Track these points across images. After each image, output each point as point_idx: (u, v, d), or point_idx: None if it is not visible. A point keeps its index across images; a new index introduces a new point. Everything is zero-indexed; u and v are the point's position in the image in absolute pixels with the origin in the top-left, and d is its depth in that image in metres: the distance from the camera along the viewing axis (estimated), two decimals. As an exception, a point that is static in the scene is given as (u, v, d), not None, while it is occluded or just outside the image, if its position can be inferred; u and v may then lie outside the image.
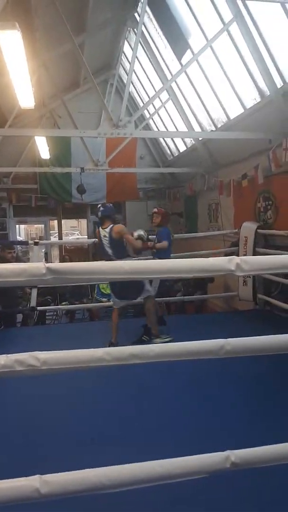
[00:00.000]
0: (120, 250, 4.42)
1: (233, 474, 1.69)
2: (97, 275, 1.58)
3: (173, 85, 7.61)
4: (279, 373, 3.40)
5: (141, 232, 4.66)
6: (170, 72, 7.62)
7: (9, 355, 1.44)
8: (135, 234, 4.61)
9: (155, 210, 5.18)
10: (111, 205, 4.72)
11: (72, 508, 1.80)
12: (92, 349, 1.53)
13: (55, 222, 11.89)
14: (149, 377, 3.21)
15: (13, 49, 3.37)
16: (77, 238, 18.04)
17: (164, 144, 10.43)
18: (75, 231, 20.54)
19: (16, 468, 1.77)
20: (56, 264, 1.46)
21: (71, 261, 8.61)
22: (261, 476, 1.94)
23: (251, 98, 5.98)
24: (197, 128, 8.01)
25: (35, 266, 1.43)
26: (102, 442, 2.53)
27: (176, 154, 9.85)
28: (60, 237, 11.76)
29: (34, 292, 5.48)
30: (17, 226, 11.75)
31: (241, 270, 1.47)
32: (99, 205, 4.58)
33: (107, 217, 4.49)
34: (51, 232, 12.24)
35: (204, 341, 1.61)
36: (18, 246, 8.98)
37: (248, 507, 2.02)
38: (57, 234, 12.11)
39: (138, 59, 8.31)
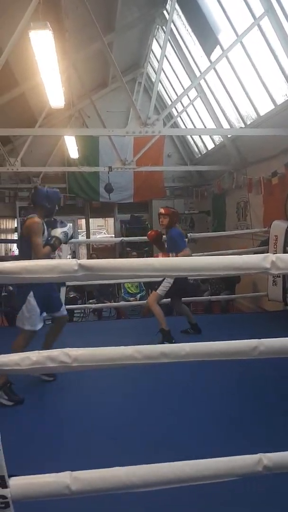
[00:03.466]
0: (25, 253, 3.28)
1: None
2: (127, 272, 1.56)
3: (202, 81, 7.53)
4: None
5: (64, 230, 3.38)
6: (199, 69, 7.54)
7: (41, 351, 1.44)
8: (56, 232, 3.34)
9: (161, 210, 4.55)
10: (50, 188, 3.48)
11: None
12: (122, 346, 1.51)
13: (83, 221, 12.01)
14: (177, 375, 3.18)
15: (45, 49, 3.41)
16: (104, 237, 18.16)
17: (191, 141, 10.34)
18: (102, 229, 20.66)
19: (45, 463, 1.79)
20: (88, 261, 1.45)
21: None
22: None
23: (282, 94, 5.84)
24: (225, 125, 7.90)
25: (67, 262, 1.43)
26: (126, 440, 2.52)
27: (204, 152, 9.76)
28: (88, 236, 11.87)
29: (63, 291, 5.54)
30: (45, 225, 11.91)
31: (276, 268, 1.42)
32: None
33: (34, 203, 3.39)
34: (78, 231, 12.38)
35: (236, 341, 1.57)
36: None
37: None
38: (84, 233, 12.23)
39: (166, 57, 8.27)
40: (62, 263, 1.44)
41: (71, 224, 11.71)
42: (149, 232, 4.73)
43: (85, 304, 7.62)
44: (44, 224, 3.32)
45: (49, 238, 3.29)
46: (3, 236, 11.07)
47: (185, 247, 4.40)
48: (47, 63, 3.70)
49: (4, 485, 1.38)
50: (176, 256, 4.12)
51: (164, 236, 4.62)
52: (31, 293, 3.16)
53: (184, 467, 1.52)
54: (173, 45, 7.92)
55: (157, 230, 4.73)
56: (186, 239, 5.58)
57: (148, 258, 1.62)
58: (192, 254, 4.38)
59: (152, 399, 3.10)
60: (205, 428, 2.66)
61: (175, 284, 4.28)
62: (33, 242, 3.16)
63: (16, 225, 10.60)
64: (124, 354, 1.51)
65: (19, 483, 1.43)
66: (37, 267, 1.41)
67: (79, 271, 1.42)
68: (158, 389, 3.25)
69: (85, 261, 1.45)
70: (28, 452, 2.30)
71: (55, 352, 1.44)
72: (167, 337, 4.12)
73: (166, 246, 4.56)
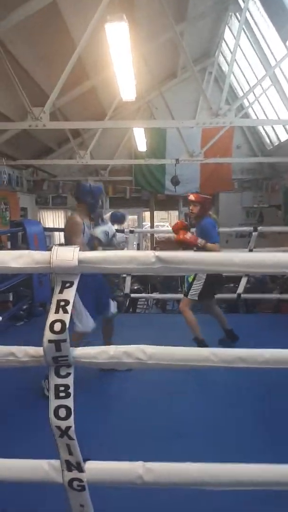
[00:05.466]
0: None
1: None
2: (205, 266, 1.52)
3: (276, 69, 7.19)
4: None
5: (104, 230, 3.33)
6: (274, 57, 7.20)
7: (118, 346, 1.45)
8: (96, 232, 3.30)
9: (191, 197, 3.96)
10: (91, 183, 3.37)
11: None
12: (199, 348, 1.48)
13: (147, 213, 12.08)
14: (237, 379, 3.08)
15: (119, 41, 3.42)
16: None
17: (263, 132, 9.96)
18: (165, 222, 20.69)
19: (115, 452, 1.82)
20: (165, 253, 1.42)
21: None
22: None
23: None
24: (300, 115, 7.50)
25: (145, 254, 1.42)
26: (193, 437, 2.49)
27: (276, 143, 9.35)
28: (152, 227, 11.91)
29: (128, 280, 5.64)
30: (112, 217, 12.10)
31: None
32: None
33: (77, 199, 3.34)
34: (143, 223, 12.48)
35: None
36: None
37: None
38: (148, 225, 12.30)
39: (239, 45, 8.00)
40: (140, 255, 1.44)
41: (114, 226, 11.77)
42: (175, 223, 4.16)
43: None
44: (85, 223, 3.23)
45: (89, 239, 3.22)
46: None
47: (217, 240, 3.88)
48: (121, 55, 3.72)
49: (81, 470, 1.42)
50: (205, 244, 3.76)
51: (193, 229, 4.06)
52: (77, 295, 3.08)
53: (259, 471, 1.46)
54: (246, 32, 7.63)
55: (182, 220, 4.22)
56: (256, 233, 5.35)
57: (227, 252, 1.57)
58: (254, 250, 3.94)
59: (218, 402, 3.04)
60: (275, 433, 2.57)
61: (206, 284, 3.84)
62: (72, 243, 3.04)
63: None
64: (200, 356, 1.47)
65: (94, 468, 1.46)
66: (117, 258, 1.42)
67: (156, 263, 1.41)
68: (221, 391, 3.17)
69: (162, 254, 1.43)
70: (96, 439, 2.36)
71: (131, 348, 1.44)
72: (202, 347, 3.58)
73: None
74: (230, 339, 4.03)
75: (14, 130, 7.05)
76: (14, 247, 5.93)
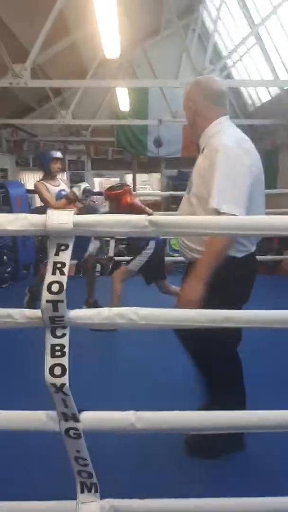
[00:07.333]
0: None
1: None
2: (198, 229, 1.56)
3: (262, 28, 7.03)
4: None
5: (77, 185, 3.82)
6: (260, 15, 7.02)
7: (112, 308, 1.52)
8: (73, 189, 3.80)
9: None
10: (46, 151, 4.03)
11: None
12: (186, 309, 1.56)
13: (130, 176, 11.93)
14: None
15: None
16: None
17: (245, 93, 9.81)
18: (146, 185, 20.46)
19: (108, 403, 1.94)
20: (158, 217, 1.47)
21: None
22: None
23: None
24: (284, 76, 7.42)
25: (138, 218, 1.46)
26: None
27: (258, 104, 9.26)
28: (134, 191, 11.83)
29: (112, 243, 5.69)
30: (94, 179, 11.91)
31: None
32: None
33: (39, 167, 4.13)
34: (125, 186, 12.38)
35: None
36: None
37: None
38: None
39: (225, 1, 7.74)
40: (134, 219, 1.48)
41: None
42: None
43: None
44: (47, 184, 3.88)
45: (56, 196, 3.84)
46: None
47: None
48: (105, 8, 3.57)
49: (76, 420, 1.53)
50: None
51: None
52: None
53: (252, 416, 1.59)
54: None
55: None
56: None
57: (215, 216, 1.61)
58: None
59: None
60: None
61: (151, 261, 3.70)
62: (45, 198, 3.79)
63: (65, 178, 10.73)
64: (188, 316, 1.55)
65: (89, 417, 1.57)
66: (111, 221, 1.46)
67: (148, 227, 1.45)
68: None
69: (154, 218, 1.47)
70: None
71: (124, 310, 1.50)
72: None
73: None
74: None
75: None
76: (-3, 209, 5.87)
